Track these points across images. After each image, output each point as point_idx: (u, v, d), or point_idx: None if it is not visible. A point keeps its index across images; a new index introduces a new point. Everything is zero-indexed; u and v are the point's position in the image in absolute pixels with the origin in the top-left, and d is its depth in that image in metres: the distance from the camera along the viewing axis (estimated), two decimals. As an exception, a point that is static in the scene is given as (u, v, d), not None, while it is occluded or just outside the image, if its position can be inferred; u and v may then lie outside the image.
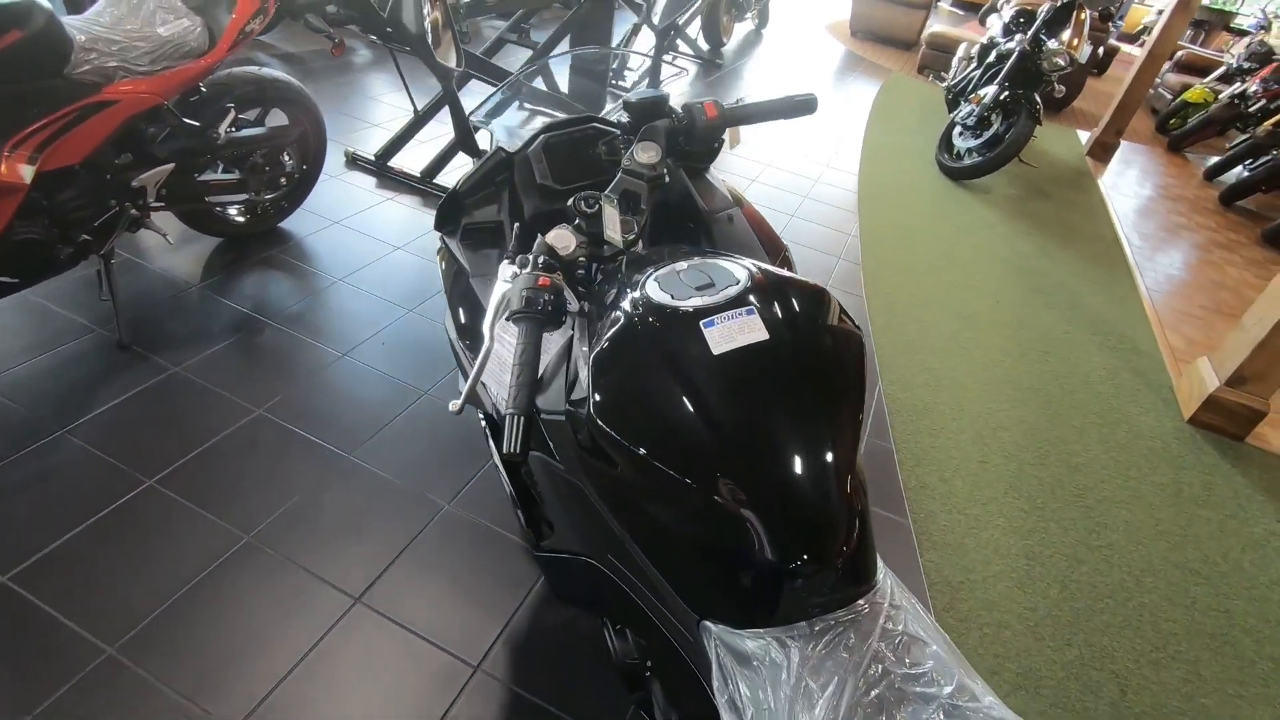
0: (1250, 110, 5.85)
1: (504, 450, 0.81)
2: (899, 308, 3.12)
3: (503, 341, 0.97)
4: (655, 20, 3.64)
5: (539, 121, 1.28)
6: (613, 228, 1.00)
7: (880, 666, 0.67)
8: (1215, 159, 5.93)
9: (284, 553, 1.63)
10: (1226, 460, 2.60)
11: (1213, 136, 6.41)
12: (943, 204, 4.35)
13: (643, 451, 0.73)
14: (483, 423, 1.27)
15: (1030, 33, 4.48)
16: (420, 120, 3.35)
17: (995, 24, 5.27)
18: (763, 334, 0.77)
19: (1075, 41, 4.49)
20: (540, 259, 0.91)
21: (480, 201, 1.19)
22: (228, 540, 1.63)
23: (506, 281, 0.94)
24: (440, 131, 3.60)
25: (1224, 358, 2.71)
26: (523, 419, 0.82)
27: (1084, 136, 6.23)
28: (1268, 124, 5.37)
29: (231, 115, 2.13)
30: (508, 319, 0.89)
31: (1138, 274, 3.94)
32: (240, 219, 2.56)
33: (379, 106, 4.02)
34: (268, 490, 1.75)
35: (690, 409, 0.72)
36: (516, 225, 1.05)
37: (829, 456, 0.73)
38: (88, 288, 2.20)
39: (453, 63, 1.07)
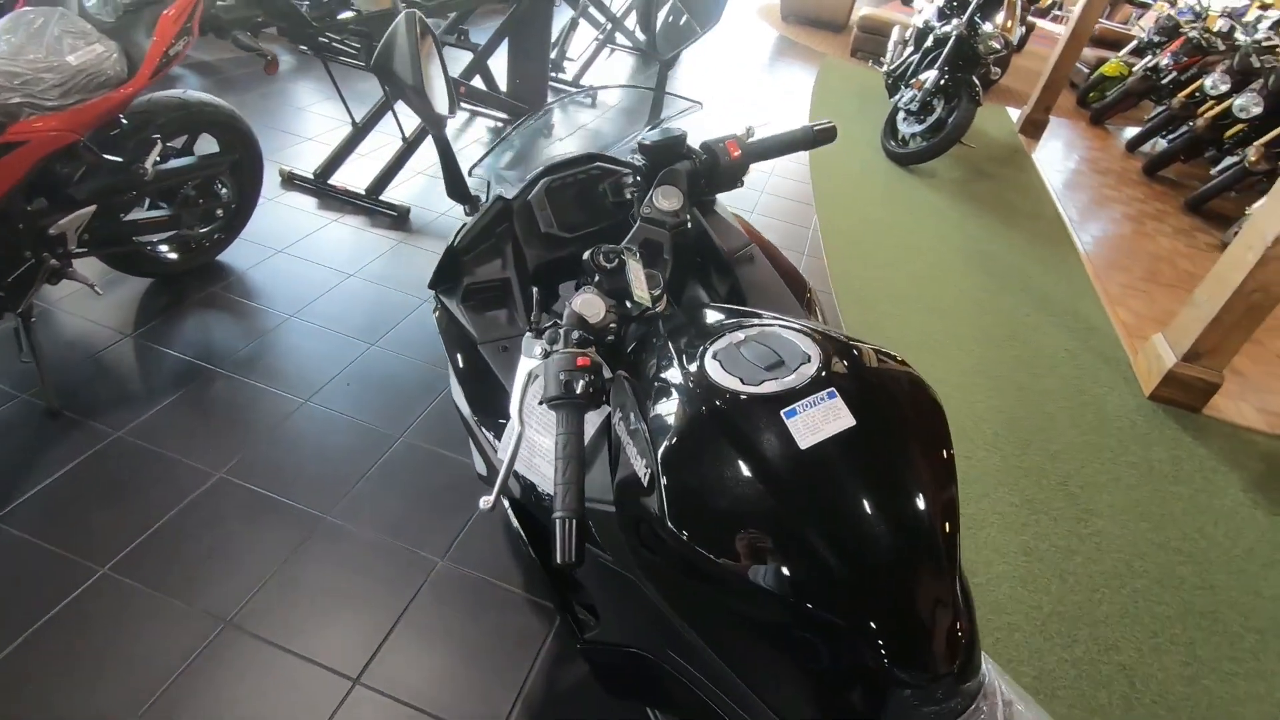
0: (1163, 83, 6.13)
1: (558, 559, 0.72)
2: (871, 304, 3.13)
3: (530, 422, 0.87)
4: (658, 48, 3.28)
5: (536, 163, 1.17)
6: (639, 285, 0.92)
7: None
8: (1135, 131, 6.21)
9: (268, 635, 1.48)
10: (1188, 433, 2.71)
11: (1131, 108, 6.71)
12: (894, 191, 4.39)
13: (726, 562, 0.65)
14: (506, 506, 1.16)
15: (965, 16, 4.55)
16: (359, 132, 3.15)
17: (925, 6, 5.35)
18: (849, 420, 0.69)
19: (1009, 24, 4.59)
20: (574, 333, 0.82)
21: (482, 257, 1.08)
22: (202, 628, 1.47)
23: (534, 358, 0.85)
24: (382, 143, 3.40)
25: (1179, 334, 2.81)
26: (575, 522, 0.73)
27: (1014, 114, 6.42)
28: (1181, 95, 5.63)
29: (158, 147, 1.92)
30: (542, 404, 0.79)
31: (1080, 250, 4.08)
32: (173, 256, 2.34)
33: (310, 118, 3.76)
34: (240, 565, 1.59)
35: (781, 513, 0.65)
36: (535, 290, 0.95)
37: (938, 551, 0.66)
38: (5, 348, 1.96)
39: (444, 109, 0.95)
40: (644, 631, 0.88)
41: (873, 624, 0.63)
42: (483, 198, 1.12)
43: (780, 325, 0.80)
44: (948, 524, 0.68)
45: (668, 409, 0.75)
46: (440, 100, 0.98)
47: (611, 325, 0.87)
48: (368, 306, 2.48)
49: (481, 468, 1.09)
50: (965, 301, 3.30)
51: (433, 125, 1.01)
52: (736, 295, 1.14)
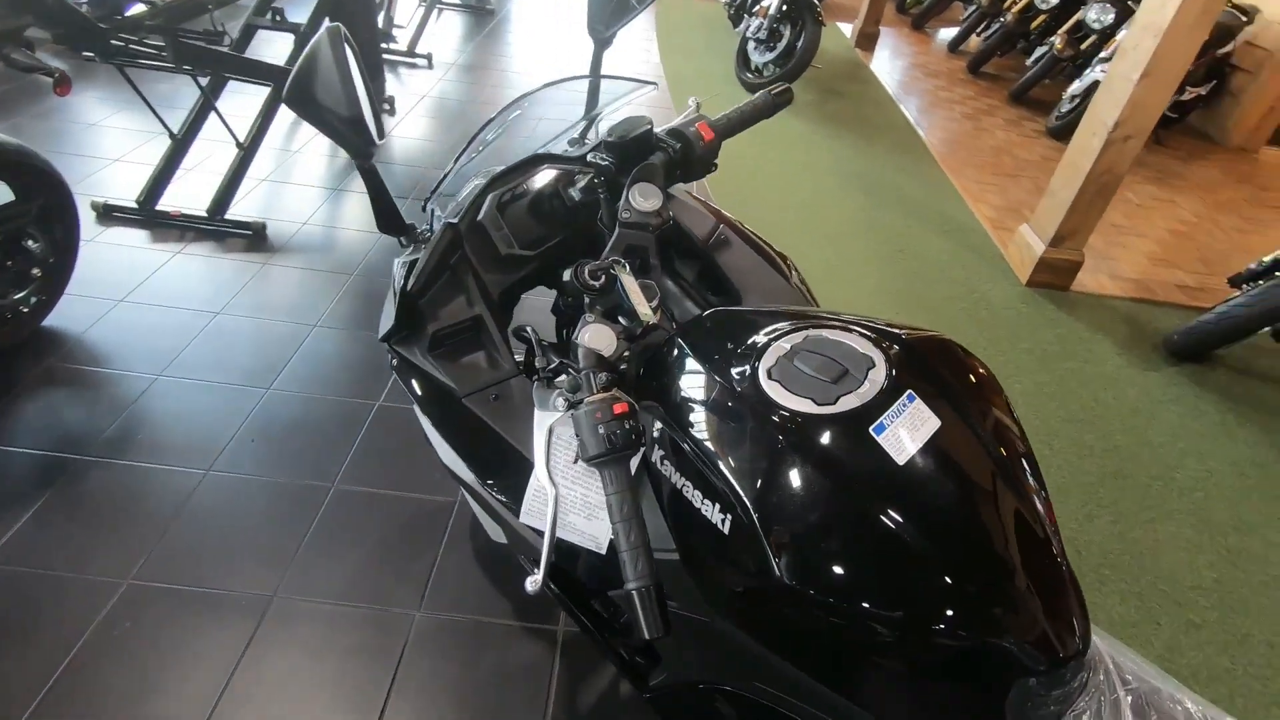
0: (969, -18, 6.53)
1: (647, 635, 0.65)
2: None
3: (558, 480, 0.77)
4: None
5: (474, 177, 1.01)
6: (639, 300, 0.82)
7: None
8: (953, 32, 6.61)
9: (245, 751, 1.30)
10: (1064, 311, 2.98)
11: (945, 10, 7.12)
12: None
13: (852, 605, 0.61)
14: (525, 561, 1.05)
15: (795, -63, 4.57)
16: (181, 144, 2.72)
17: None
18: (935, 421, 0.65)
19: (836, -59, 4.65)
20: (601, 376, 0.72)
21: (442, 297, 0.93)
22: (164, 766, 1.27)
23: (554, 410, 0.74)
24: (209, 152, 2.97)
25: (1042, 223, 3.06)
26: (654, 589, 0.66)
27: (846, 29, 6.63)
28: (987, -7, 6.03)
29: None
30: (579, 462, 0.70)
31: (934, 154, 4.32)
32: (-13, 333, 1.93)
33: (109, 135, 3.20)
34: (186, 681, 1.38)
35: (902, 540, 0.60)
36: (528, 330, 0.83)
37: (1045, 526, 0.65)
38: None
39: (376, 134, 0.78)
40: (723, 667, 0.82)
41: (1008, 625, 0.61)
42: (420, 227, 0.96)
43: (824, 327, 0.75)
44: (1042, 494, 0.67)
45: (733, 445, 0.68)
46: (370, 125, 0.81)
47: (625, 354, 0.78)
48: (249, 346, 2.18)
49: (499, 535, 0.97)
50: (851, 224, 3.41)
51: (361, 155, 0.83)
52: (713, 281, 1.07)
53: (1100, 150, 2.71)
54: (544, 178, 1.02)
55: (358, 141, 0.80)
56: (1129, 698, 0.67)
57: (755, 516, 0.63)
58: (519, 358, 0.96)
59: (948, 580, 0.60)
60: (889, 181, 3.90)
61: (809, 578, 0.61)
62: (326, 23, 0.80)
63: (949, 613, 0.59)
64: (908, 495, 0.62)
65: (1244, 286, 2.59)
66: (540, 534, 0.84)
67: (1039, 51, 5.41)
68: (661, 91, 4.64)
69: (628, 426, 0.70)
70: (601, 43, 1.20)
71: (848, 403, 0.65)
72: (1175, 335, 2.72)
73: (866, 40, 6.20)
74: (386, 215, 0.89)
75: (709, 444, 0.69)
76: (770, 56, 4.67)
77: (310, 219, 2.84)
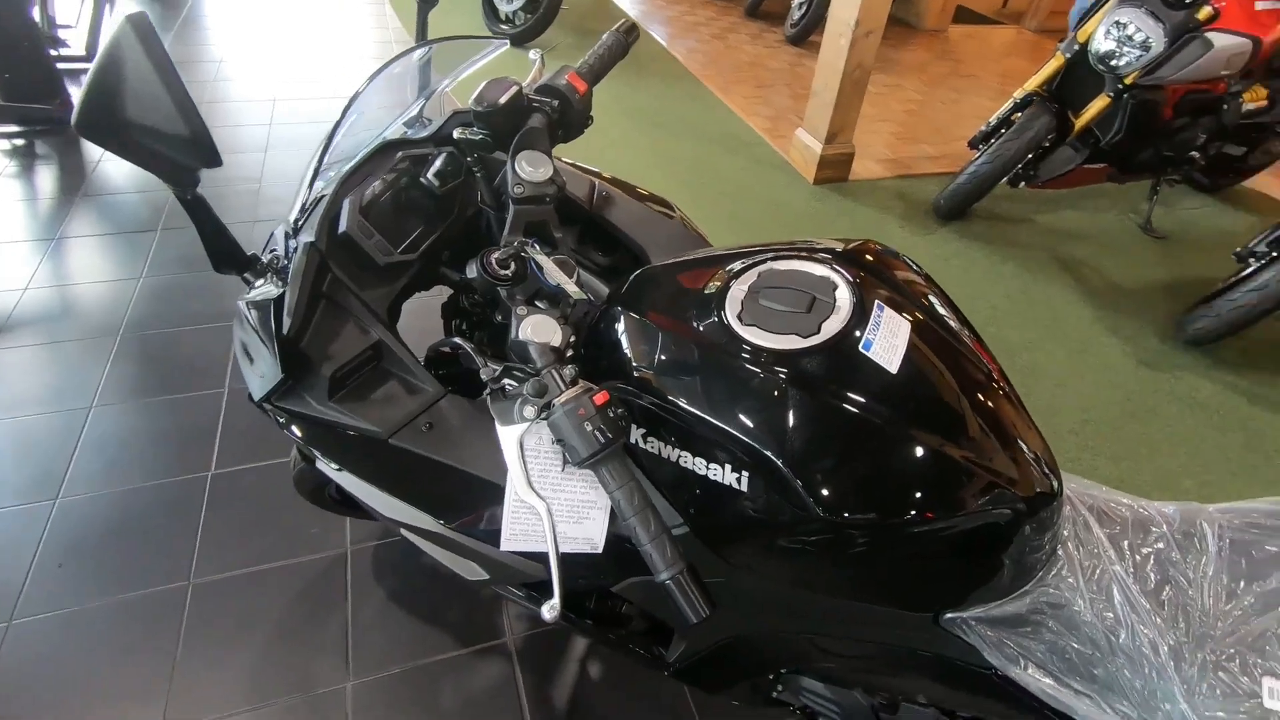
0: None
1: (694, 618, 0.62)
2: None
3: (544, 491, 0.69)
4: None
5: (314, 183, 0.82)
6: (562, 279, 0.75)
7: (1145, 551, 0.73)
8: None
9: None
10: (849, 199, 3.30)
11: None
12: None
13: (889, 517, 0.62)
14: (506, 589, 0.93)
15: (510, -126, 4.36)
16: None
17: None
18: (905, 324, 0.67)
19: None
20: (560, 376, 0.65)
21: (327, 331, 0.76)
22: None
23: (523, 421, 0.66)
24: None
25: (814, 124, 3.31)
26: (689, 571, 0.63)
27: (579, -34, 6.54)
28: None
29: None
30: (576, 467, 0.63)
31: (700, 78, 4.49)
32: None
33: None
34: None
35: (918, 441, 0.62)
36: (460, 344, 0.72)
37: (1008, 389, 0.71)
38: None
39: (209, 155, 0.59)
40: (741, 620, 0.82)
41: (1015, 484, 0.65)
42: (263, 256, 0.78)
43: (771, 260, 0.73)
44: (992, 356, 0.73)
45: (731, 400, 0.65)
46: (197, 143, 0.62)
47: (572, 339, 0.71)
48: (16, 450, 1.74)
49: (475, 573, 0.86)
50: (654, 159, 3.45)
51: (184, 185, 0.64)
52: (601, 243, 1.01)
53: (849, 49, 2.97)
54: (402, 169, 0.88)
55: (190, 165, 0.62)
56: (1090, 514, 0.76)
57: (780, 462, 0.62)
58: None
59: (965, 462, 0.63)
60: (670, 111, 3.98)
61: (847, 504, 0.61)
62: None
63: (972, 490, 0.63)
64: (910, 399, 0.64)
65: (980, 147, 3.02)
66: (529, 557, 0.76)
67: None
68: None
69: (613, 415, 0.64)
70: (424, 4, 1.04)
71: (830, 328, 0.65)
72: (940, 200, 3.13)
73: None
74: (224, 251, 0.71)
75: (700, 407, 0.66)
76: (519, 4, 4.48)
77: (32, 282, 2.29)
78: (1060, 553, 0.72)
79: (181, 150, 0.60)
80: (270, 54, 4.05)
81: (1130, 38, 2.54)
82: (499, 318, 0.87)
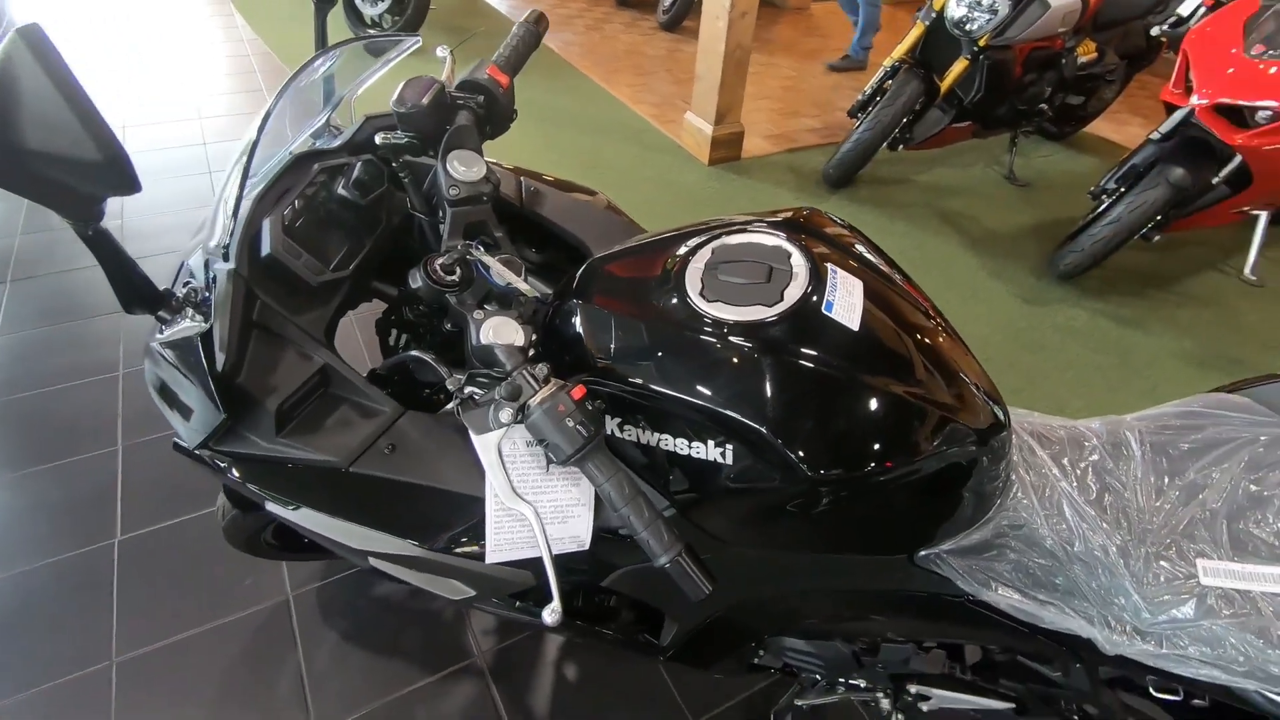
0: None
1: (696, 596, 0.63)
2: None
3: (526, 494, 0.67)
4: None
5: (237, 208, 0.75)
6: (513, 278, 0.73)
7: (1083, 465, 0.79)
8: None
9: None
10: (744, 177, 3.39)
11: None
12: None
13: (873, 469, 0.65)
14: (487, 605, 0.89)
15: None
16: None
17: None
18: (857, 283, 0.70)
19: None
20: (533, 375, 0.64)
21: (265, 363, 0.70)
22: None
23: (499, 425, 0.64)
24: None
25: (702, 107, 3.38)
26: (687, 550, 0.63)
27: (439, -36, 6.34)
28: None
29: None
30: (561, 465, 0.62)
31: (581, 69, 4.47)
32: None
33: None
34: None
35: (889, 392, 0.65)
36: (419, 355, 0.68)
37: (952, 332, 0.75)
38: None
39: (124, 180, 0.51)
40: (733, 590, 0.83)
41: (974, 421, 0.69)
42: (178, 291, 0.70)
43: (721, 235, 0.74)
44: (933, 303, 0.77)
45: (706, 377, 0.65)
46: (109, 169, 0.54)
47: (533, 337, 0.70)
48: None
49: (459, 592, 0.81)
50: (549, 154, 3.41)
51: (88, 218, 0.56)
52: (533, 238, 0.99)
53: (727, 30, 3.04)
54: (320, 182, 0.82)
55: (99, 193, 0.54)
56: (1032, 439, 0.83)
57: (765, 430, 0.63)
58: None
59: (929, 405, 0.67)
60: (557, 105, 3.95)
61: (834, 461, 0.64)
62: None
63: (938, 429, 0.67)
64: (874, 353, 0.67)
65: (859, 115, 3.18)
66: (516, 565, 0.74)
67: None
68: (276, 68, 4.03)
69: (591, 408, 0.63)
70: (324, 4, 0.98)
71: (792, 295, 0.67)
72: (829, 169, 3.27)
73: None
74: (134, 288, 0.64)
75: (677, 388, 0.66)
76: (383, 7, 4.30)
77: None
78: (1014, 478, 0.78)
79: (90, 178, 0.53)
80: (112, 76, 3.69)
81: (980, 3, 2.74)
82: (449, 326, 0.84)
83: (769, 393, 0.64)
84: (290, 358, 0.72)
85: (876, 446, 0.65)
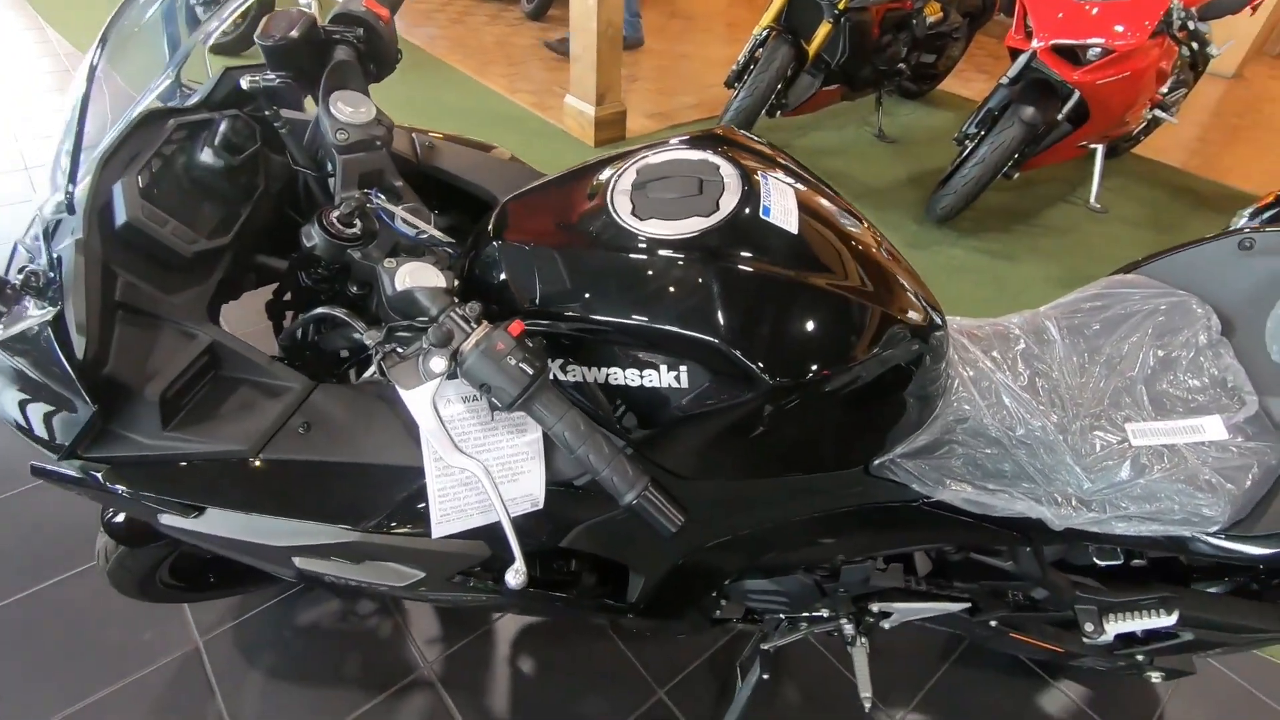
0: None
1: (671, 528, 0.60)
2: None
3: (470, 451, 0.61)
4: None
5: (61, 162, 0.62)
6: (422, 224, 0.67)
7: (1012, 355, 0.82)
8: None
9: None
10: (633, 157, 3.38)
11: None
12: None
13: (828, 369, 0.63)
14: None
15: None
16: None
17: None
18: (789, 183, 0.68)
19: None
20: (464, 316, 0.57)
21: (137, 346, 0.58)
22: None
23: (432, 378, 0.58)
24: None
25: (582, 89, 3.33)
26: (653, 485, 0.59)
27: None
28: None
29: None
30: (510, 409, 0.57)
31: (453, 64, 4.32)
32: None
33: None
34: None
35: (835, 292, 0.63)
36: (332, 312, 0.60)
37: (881, 236, 0.75)
38: None
39: None
40: (696, 532, 0.80)
41: (915, 320, 0.69)
42: (11, 278, 0.58)
43: (644, 156, 0.70)
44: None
45: (652, 299, 0.61)
46: None
47: (455, 283, 0.63)
48: None
49: (406, 578, 0.71)
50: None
51: None
52: (434, 196, 0.91)
53: (597, 8, 3.01)
54: (179, 139, 0.71)
55: None
56: (963, 337, 0.85)
57: (719, 342, 0.60)
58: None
59: (875, 305, 0.66)
60: (432, 99, 3.79)
61: (791, 364, 0.62)
62: None
63: (884, 328, 0.66)
64: (816, 255, 0.65)
65: (736, 85, 3.24)
66: (467, 537, 0.68)
67: (481, -55, 5.61)
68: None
69: (532, 345, 0.58)
70: None
71: (728, 204, 0.64)
72: (713, 141, 3.31)
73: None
74: None
75: (622, 314, 0.62)
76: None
77: None
78: (953, 375, 0.80)
79: None
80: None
81: (834, -34, 2.86)
82: (354, 289, 0.75)
83: (719, 303, 0.61)
84: (168, 338, 0.62)
85: (831, 346, 0.63)
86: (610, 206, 0.65)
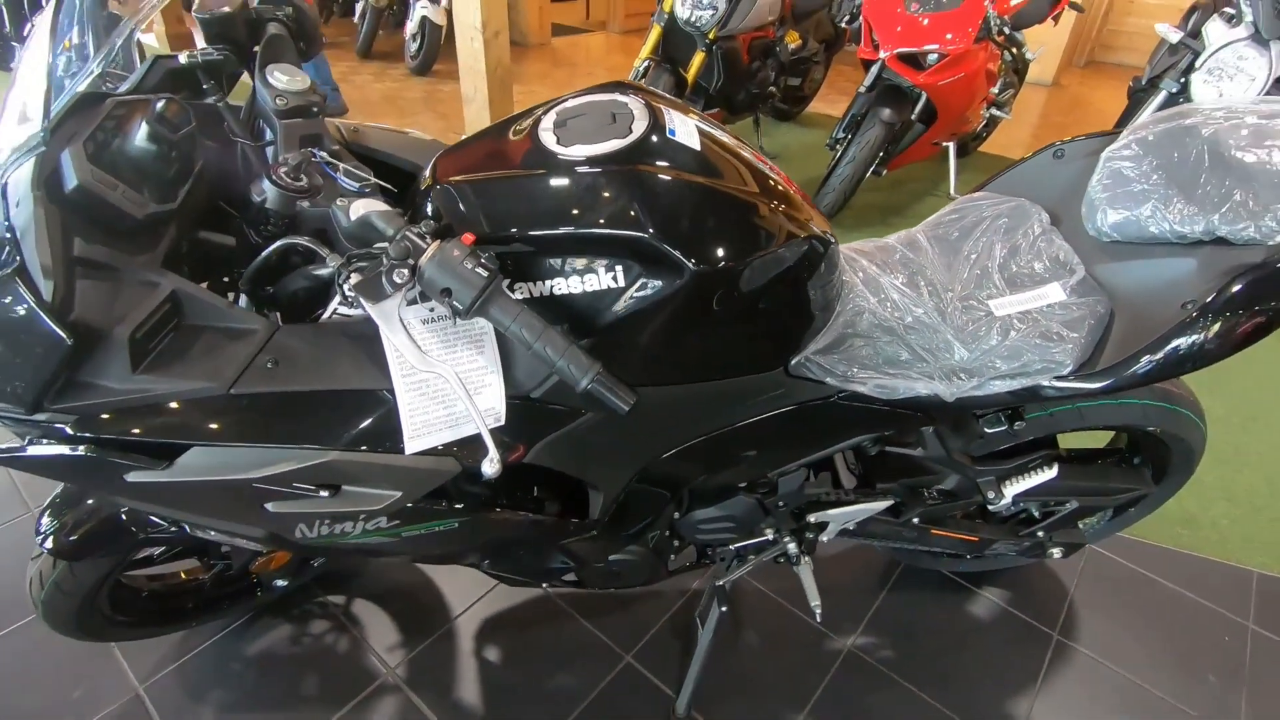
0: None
1: (626, 407, 0.68)
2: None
3: (435, 355, 0.66)
4: None
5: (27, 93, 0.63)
6: (364, 176, 0.73)
7: (893, 261, 0.96)
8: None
9: None
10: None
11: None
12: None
13: (742, 260, 0.73)
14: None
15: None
16: None
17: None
18: (689, 120, 0.79)
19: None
20: (419, 233, 0.64)
21: (100, 296, 0.59)
22: None
23: (400, 285, 0.64)
24: None
25: (477, 128, 3.44)
26: (604, 370, 0.68)
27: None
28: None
29: None
30: (469, 311, 0.63)
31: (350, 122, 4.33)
32: None
33: None
34: None
35: (740, 196, 0.75)
36: (299, 242, 0.64)
37: (773, 164, 0.87)
38: None
39: None
40: (642, 437, 0.88)
41: (811, 230, 0.81)
42: None
43: (554, 104, 0.80)
44: None
45: (585, 210, 0.70)
46: None
47: (404, 217, 0.70)
48: None
49: (388, 495, 0.73)
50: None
51: None
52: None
53: (484, 50, 3.15)
54: (119, 117, 0.74)
55: None
56: (850, 251, 0.98)
57: (649, 236, 0.69)
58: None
59: (776, 211, 0.78)
60: (321, 153, 3.78)
61: (710, 252, 0.72)
62: None
63: (785, 229, 0.78)
64: (719, 166, 0.76)
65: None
66: (438, 452, 0.73)
67: (359, 7, 5.71)
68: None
69: (484, 255, 0.65)
70: None
71: (639, 128, 0.74)
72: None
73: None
74: None
75: (562, 225, 0.70)
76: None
77: None
78: (845, 279, 0.92)
79: None
80: None
81: (701, 2, 3.13)
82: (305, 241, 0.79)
83: (643, 203, 0.70)
84: (130, 287, 0.64)
85: (740, 239, 0.74)
86: (537, 141, 0.74)
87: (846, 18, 4.23)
